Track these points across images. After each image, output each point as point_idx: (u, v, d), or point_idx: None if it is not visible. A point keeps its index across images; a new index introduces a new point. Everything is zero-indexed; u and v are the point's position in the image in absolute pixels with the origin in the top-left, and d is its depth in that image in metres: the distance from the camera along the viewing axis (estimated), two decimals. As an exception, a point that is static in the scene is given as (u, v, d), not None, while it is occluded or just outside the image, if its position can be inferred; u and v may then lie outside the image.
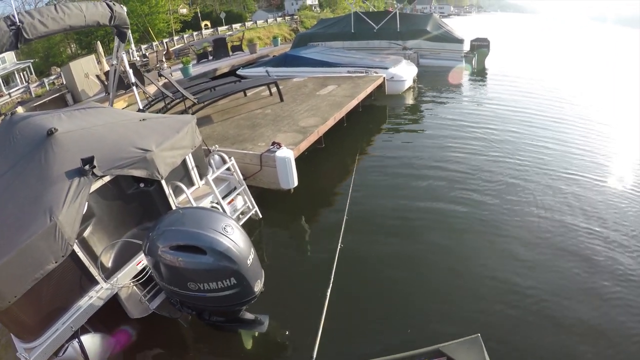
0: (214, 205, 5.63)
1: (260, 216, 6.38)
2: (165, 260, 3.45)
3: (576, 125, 10.66)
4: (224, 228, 3.54)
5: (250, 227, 6.27)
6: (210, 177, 5.59)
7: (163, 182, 4.73)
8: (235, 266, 3.47)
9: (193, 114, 9.15)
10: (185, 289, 3.57)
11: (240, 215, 6.14)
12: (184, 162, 5.44)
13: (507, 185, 7.24)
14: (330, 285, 4.19)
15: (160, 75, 12.95)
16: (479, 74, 18.37)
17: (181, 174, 5.52)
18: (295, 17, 42.38)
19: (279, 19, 41.81)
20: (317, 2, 69.96)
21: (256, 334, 4.31)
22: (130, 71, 8.65)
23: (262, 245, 6.24)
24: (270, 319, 4.24)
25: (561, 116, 11.48)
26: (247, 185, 6.58)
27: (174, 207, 4.94)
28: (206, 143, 6.59)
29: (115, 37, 7.57)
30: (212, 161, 6.30)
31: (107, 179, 4.10)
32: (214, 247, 3.40)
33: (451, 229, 6.08)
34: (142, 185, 4.74)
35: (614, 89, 15.91)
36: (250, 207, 6.29)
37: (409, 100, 13.66)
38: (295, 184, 6.74)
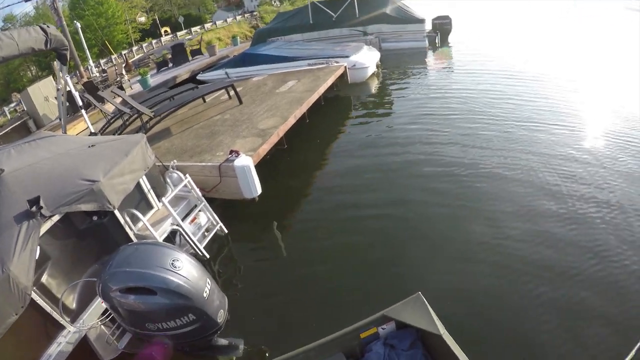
0: (175, 227, 5.35)
1: (226, 231, 6.05)
2: (119, 302, 3.28)
3: (539, 98, 10.47)
4: (172, 264, 3.32)
5: (217, 243, 6.03)
6: (166, 199, 5.25)
7: (116, 212, 4.47)
8: (189, 302, 3.26)
9: (151, 128, 8.84)
10: (145, 329, 3.39)
11: (206, 233, 5.82)
12: (139, 185, 5.12)
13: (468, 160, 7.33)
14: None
15: (116, 90, 12.55)
16: (443, 53, 18.24)
17: (137, 198, 5.20)
18: (255, 13, 41.72)
19: (238, 18, 41.13)
20: (276, -4, 69.19)
21: (233, 358, 4.09)
22: (77, 94, 8.31)
23: (231, 261, 5.98)
24: (247, 340, 4.06)
25: (526, 90, 11.30)
26: (210, 198, 6.34)
27: (132, 236, 4.71)
28: (162, 160, 6.30)
29: (56, 60, 7.23)
30: (169, 179, 6.01)
31: (56, 218, 3.86)
32: (163, 286, 3.20)
33: (423, 223, 5.96)
34: (94, 218, 4.45)
35: (580, 58, 15.34)
36: (214, 222, 5.99)
37: (374, 87, 13.39)
38: (259, 191, 6.42)
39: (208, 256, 5.56)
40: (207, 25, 37.79)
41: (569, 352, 3.70)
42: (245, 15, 43.65)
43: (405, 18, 18.42)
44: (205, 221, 5.91)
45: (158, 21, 49.16)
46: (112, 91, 10.89)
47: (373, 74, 13.87)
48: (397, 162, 7.74)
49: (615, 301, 4.14)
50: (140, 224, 4.98)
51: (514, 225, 5.51)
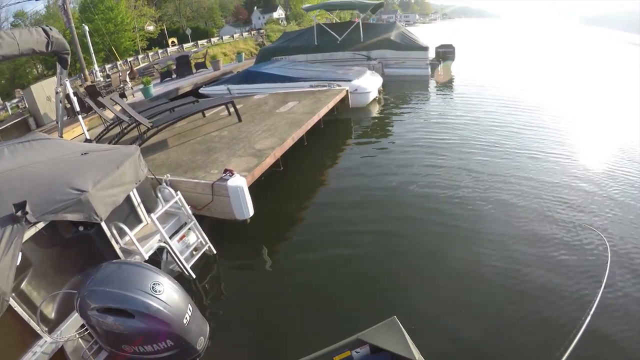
0: (162, 244, 5.25)
1: (215, 251, 5.95)
2: (97, 320, 3.20)
3: (542, 128, 10.84)
4: (153, 287, 3.23)
5: (205, 263, 5.91)
6: (155, 214, 5.16)
7: (103, 225, 4.40)
8: (168, 328, 3.17)
9: (148, 138, 8.78)
10: (121, 350, 3.29)
11: (194, 252, 5.71)
12: (129, 198, 5.03)
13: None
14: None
15: (119, 96, 12.51)
16: (445, 82, 18.38)
17: (126, 211, 5.11)
18: (262, 31, 42.14)
19: (245, 34, 41.56)
20: (284, 16, 70.14)
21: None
22: (75, 99, 8.28)
23: (218, 282, 5.82)
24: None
25: (529, 119, 11.63)
26: (201, 216, 6.24)
27: (117, 250, 4.62)
28: (155, 173, 6.23)
29: (57, 63, 7.21)
30: (160, 195, 5.92)
31: (41, 225, 3.79)
32: (142, 310, 3.12)
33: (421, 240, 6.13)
34: (81, 228, 4.40)
35: (580, 85, 16.34)
36: (203, 242, 5.88)
37: (375, 112, 13.38)
38: (251, 213, 6.28)
39: (194, 276, 5.46)
40: (214, 40, 38.14)
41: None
42: (252, 32, 44.11)
43: (409, 45, 18.57)
44: (194, 240, 5.81)
45: (166, 31, 49.68)
46: (111, 98, 10.84)
47: (374, 99, 13.92)
48: (391, 187, 7.79)
49: (603, 321, 4.25)
50: (127, 238, 4.89)
51: (501, 249, 5.63)
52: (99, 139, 10.21)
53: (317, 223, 6.94)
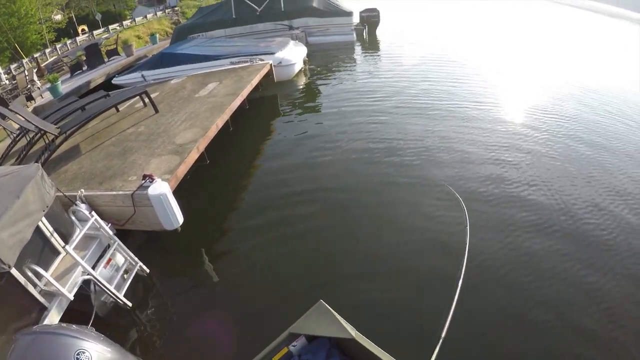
0: (85, 278, 4.47)
1: (148, 270, 5.32)
2: None
3: (465, 82, 11.81)
4: (77, 356, 2.69)
5: (140, 284, 5.28)
6: (71, 244, 4.38)
7: (14, 271, 3.63)
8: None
9: (57, 147, 7.75)
10: None
11: (125, 275, 5.01)
12: (38, 229, 4.21)
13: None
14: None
15: (25, 99, 11.15)
16: (371, 46, 18.05)
17: (38, 246, 4.26)
18: (176, 8, 39.87)
19: (159, 13, 39.12)
20: (199, -10, 66.85)
21: None
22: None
23: (158, 305, 5.14)
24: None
25: (453, 76, 12.29)
26: (128, 230, 5.62)
27: (37, 296, 3.92)
28: (68, 189, 5.59)
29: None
30: (74, 216, 5.12)
31: None
32: None
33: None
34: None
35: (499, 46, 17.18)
36: (133, 262, 5.21)
37: (301, 84, 12.88)
38: (181, 221, 5.58)
39: (130, 304, 4.82)
40: (126, 23, 35.54)
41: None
42: (167, 10, 41.59)
43: (333, 11, 18.09)
44: (122, 261, 5.10)
45: (75, 19, 45.93)
46: (8, 109, 9.49)
47: (300, 70, 13.37)
48: (326, 162, 7.60)
49: (520, 303, 4.42)
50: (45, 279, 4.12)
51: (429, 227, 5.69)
52: (5, 154, 9.00)
53: (253, 212, 6.52)
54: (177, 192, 5.73)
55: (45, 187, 4.35)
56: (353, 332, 2.67)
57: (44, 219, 4.28)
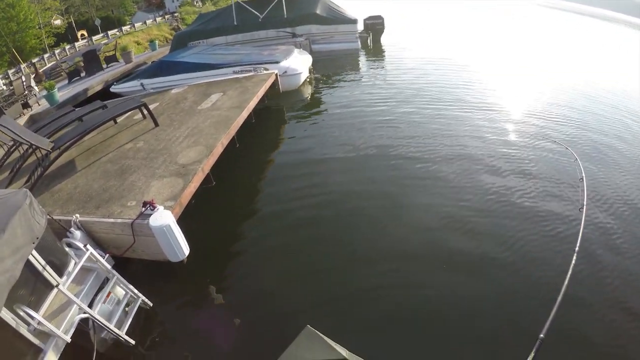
0: (83, 316, 3.92)
1: (151, 304, 4.79)
2: None
3: (471, 89, 11.77)
4: None
5: (143, 318, 4.75)
6: (65, 284, 3.85)
7: (3, 313, 3.19)
8: None
9: (51, 163, 7.21)
10: None
11: (126, 309, 4.49)
12: (29, 264, 3.66)
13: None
14: None
15: (21, 106, 10.51)
16: (376, 53, 17.64)
17: (29, 282, 3.73)
18: (176, 14, 39.49)
19: (159, 19, 38.72)
20: (199, -4, 66.83)
21: None
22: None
23: (163, 341, 4.64)
24: None
25: (459, 81, 12.40)
26: (129, 259, 5.21)
27: (30, 338, 3.45)
28: (62, 213, 5.16)
29: None
30: (67, 246, 4.60)
31: None
32: None
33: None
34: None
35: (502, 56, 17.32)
36: (134, 296, 4.67)
37: (308, 94, 12.39)
38: (186, 252, 5.06)
39: (133, 342, 4.29)
40: (125, 28, 35.10)
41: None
42: (166, 16, 41.24)
43: (337, 18, 17.70)
44: (123, 294, 4.55)
45: (74, 24, 45.51)
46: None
47: (306, 79, 12.83)
48: (338, 179, 7.17)
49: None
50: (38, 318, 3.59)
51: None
52: None
53: (263, 237, 5.99)
54: (181, 219, 5.22)
55: (35, 216, 3.82)
56: (344, 352, 2.67)
57: (34, 251, 3.75)
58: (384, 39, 19.09)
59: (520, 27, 24.99)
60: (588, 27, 26.03)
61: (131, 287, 4.64)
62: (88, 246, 4.35)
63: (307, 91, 12.58)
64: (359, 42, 17.73)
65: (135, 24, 36.43)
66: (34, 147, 7.35)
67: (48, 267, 3.97)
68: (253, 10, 18.41)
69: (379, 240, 5.59)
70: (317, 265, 5.27)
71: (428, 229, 5.65)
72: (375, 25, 18.87)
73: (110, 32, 33.48)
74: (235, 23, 18.52)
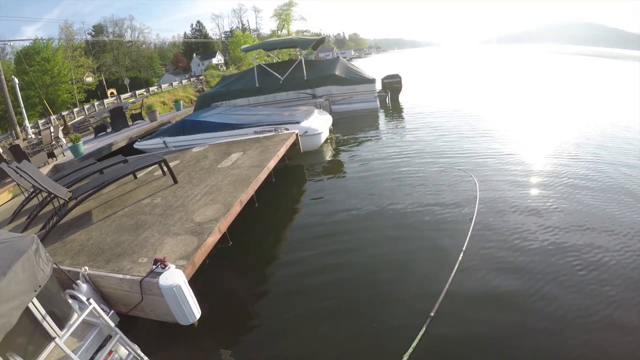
0: None
1: None
2: None
3: (488, 139, 11.95)
4: None
5: None
6: (62, 337, 3.59)
7: None
8: None
9: (67, 212, 7.12)
10: None
11: None
12: (28, 312, 3.49)
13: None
14: None
15: (47, 155, 10.61)
16: (395, 112, 17.77)
17: (27, 331, 3.54)
18: (201, 77, 41.09)
19: (184, 82, 40.34)
20: (222, 61, 69.91)
21: None
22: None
23: None
24: None
25: (482, 138, 12.26)
26: (136, 317, 4.89)
27: None
28: (71, 263, 5.02)
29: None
30: (71, 300, 4.35)
31: None
32: None
33: None
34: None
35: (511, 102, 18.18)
36: (138, 357, 4.33)
37: (328, 154, 12.33)
38: (197, 316, 4.69)
39: None
40: (152, 89, 36.59)
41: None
42: (192, 79, 42.99)
43: (356, 79, 18.06)
44: (126, 354, 4.22)
45: (105, 82, 47.70)
46: (16, 167, 8.97)
47: (326, 139, 12.84)
48: (359, 242, 6.83)
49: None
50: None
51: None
52: (17, 211, 8.65)
53: (280, 302, 5.63)
54: (193, 279, 4.93)
55: (40, 263, 3.65)
56: None
57: (35, 300, 3.57)
58: (402, 97, 19.29)
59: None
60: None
61: (136, 347, 4.29)
62: (91, 300, 4.11)
63: (328, 151, 12.56)
64: (378, 102, 17.96)
65: (162, 85, 37.94)
66: (52, 195, 7.33)
67: (48, 318, 3.76)
68: (274, 73, 18.94)
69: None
70: (340, 337, 4.80)
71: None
72: (393, 84, 19.20)
73: (137, 92, 34.96)
74: (257, 85, 19.04)
